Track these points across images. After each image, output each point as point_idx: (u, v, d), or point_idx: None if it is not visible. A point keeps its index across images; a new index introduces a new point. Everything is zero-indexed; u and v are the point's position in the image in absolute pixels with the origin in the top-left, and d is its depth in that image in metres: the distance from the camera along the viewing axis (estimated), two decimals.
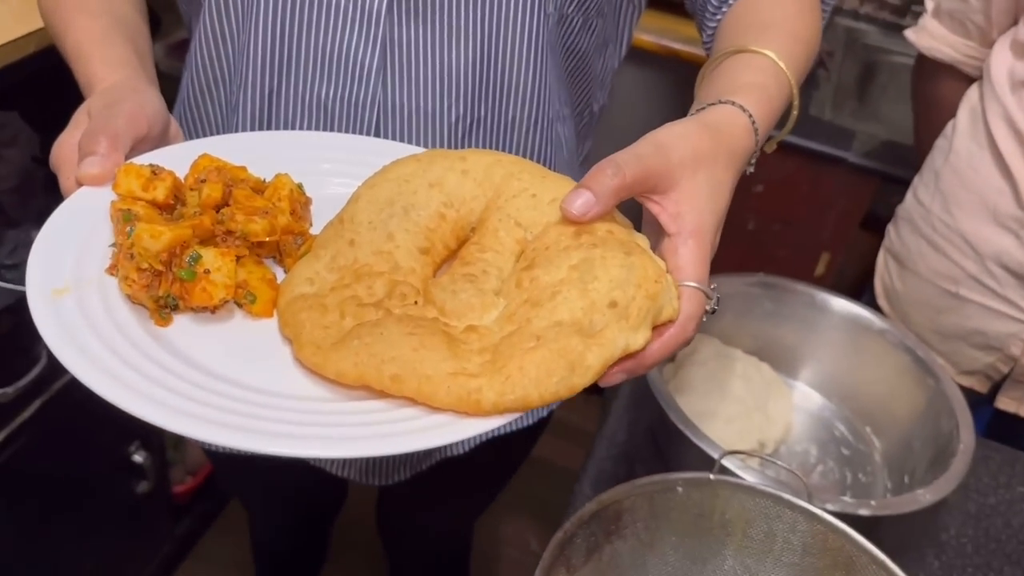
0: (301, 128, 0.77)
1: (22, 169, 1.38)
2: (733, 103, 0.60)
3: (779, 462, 0.77)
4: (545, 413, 1.03)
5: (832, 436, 1.04)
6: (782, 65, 0.66)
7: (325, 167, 0.67)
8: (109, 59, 0.68)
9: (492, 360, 0.49)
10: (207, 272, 0.53)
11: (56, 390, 1.28)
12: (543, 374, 0.47)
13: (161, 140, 0.65)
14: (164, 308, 0.53)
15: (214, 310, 0.55)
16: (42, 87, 1.19)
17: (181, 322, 0.54)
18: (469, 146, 0.79)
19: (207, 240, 0.56)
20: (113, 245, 0.55)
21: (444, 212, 0.59)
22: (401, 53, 0.74)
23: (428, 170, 0.60)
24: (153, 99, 0.64)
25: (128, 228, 0.53)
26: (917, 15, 1.52)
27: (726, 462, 0.79)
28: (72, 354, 0.47)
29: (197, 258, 0.53)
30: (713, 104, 0.61)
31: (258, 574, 1.56)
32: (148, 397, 0.46)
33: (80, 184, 0.58)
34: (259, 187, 0.61)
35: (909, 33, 1.26)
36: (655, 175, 0.53)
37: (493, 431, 0.49)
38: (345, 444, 0.45)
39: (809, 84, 1.58)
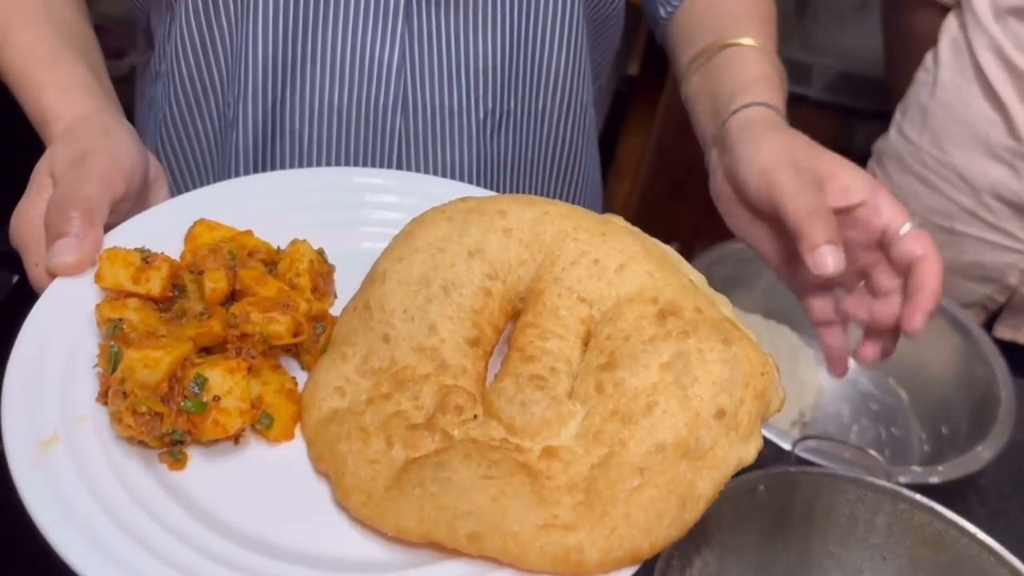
0: (311, 139, 0.67)
1: None
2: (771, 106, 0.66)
3: (849, 442, 0.75)
4: None
5: (858, 391, 1.02)
6: (775, 56, 0.70)
7: (339, 215, 0.57)
8: (63, 85, 0.57)
9: (587, 503, 0.41)
10: (216, 399, 0.43)
11: None
12: (653, 519, 0.41)
13: (141, 192, 0.54)
14: (173, 445, 0.43)
15: (236, 441, 0.45)
16: None
17: (192, 458, 0.44)
18: (498, 142, 0.71)
19: (213, 345, 0.46)
20: (97, 366, 0.45)
21: (489, 286, 0.50)
22: (423, 46, 0.65)
23: (464, 233, 0.51)
24: (127, 142, 0.54)
25: (112, 346, 0.42)
26: None
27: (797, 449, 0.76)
28: (75, 541, 0.37)
29: (203, 383, 0.43)
30: (765, 105, 0.66)
31: None
32: None
33: (52, 274, 0.47)
34: (270, 258, 0.51)
35: None
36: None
37: None
38: None
39: None
